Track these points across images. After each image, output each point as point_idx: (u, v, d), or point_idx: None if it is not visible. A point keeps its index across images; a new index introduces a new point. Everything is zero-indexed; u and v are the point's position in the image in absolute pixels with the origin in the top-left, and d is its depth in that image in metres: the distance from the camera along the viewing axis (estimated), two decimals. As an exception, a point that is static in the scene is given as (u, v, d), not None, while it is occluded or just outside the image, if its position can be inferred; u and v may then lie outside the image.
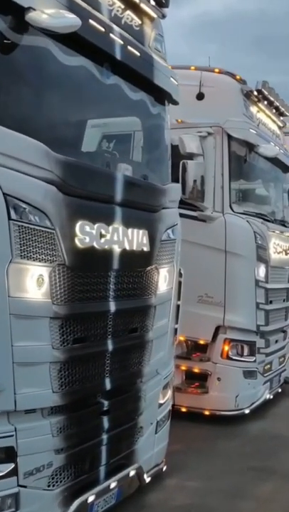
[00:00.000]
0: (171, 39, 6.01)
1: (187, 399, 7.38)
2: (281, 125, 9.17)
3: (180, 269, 5.46)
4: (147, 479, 4.98)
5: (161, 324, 5.04)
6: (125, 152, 5.28)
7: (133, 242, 4.41)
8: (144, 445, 4.91)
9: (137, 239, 4.46)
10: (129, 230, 4.36)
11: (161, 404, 5.26)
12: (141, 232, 4.52)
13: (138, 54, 4.58)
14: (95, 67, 4.28)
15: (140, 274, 4.65)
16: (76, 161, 3.84)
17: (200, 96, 7.53)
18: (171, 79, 5.23)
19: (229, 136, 7.41)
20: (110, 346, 4.29)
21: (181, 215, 7.36)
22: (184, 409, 7.36)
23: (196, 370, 7.45)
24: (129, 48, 4.46)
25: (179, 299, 5.42)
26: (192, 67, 7.73)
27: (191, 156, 7.10)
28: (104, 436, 4.33)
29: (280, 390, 8.66)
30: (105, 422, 4.32)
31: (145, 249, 4.59)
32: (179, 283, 5.43)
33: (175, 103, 5.47)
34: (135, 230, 4.44)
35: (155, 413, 5.13)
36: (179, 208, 7.35)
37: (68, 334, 3.83)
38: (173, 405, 7.28)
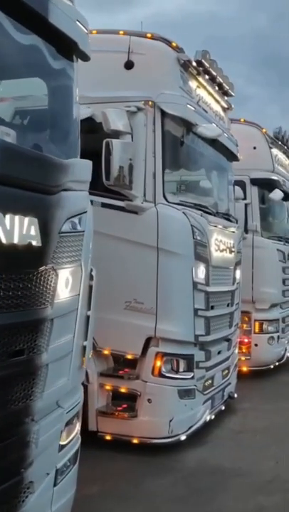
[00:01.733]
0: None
1: (113, 424, 6.20)
2: (226, 106, 8.10)
3: (92, 270, 4.27)
4: None
5: (61, 342, 3.82)
6: (7, 114, 4.05)
7: (13, 234, 3.17)
8: (35, 505, 3.66)
9: (20, 229, 3.23)
10: (8, 217, 3.12)
11: (63, 446, 4.03)
12: (27, 220, 3.28)
13: (23, -22, 3.37)
14: None
15: (28, 277, 3.41)
16: None
17: (129, 65, 6.36)
18: (78, 23, 4.03)
19: (163, 113, 6.27)
20: (-22, 378, 3.06)
21: (106, 205, 6.32)
22: (108, 437, 6.19)
23: (123, 390, 6.26)
24: None
25: (89, 308, 4.22)
26: (120, 32, 6.55)
27: (116, 135, 5.93)
28: None
29: (223, 408, 7.56)
30: None
31: (34, 243, 3.36)
32: (90, 288, 4.23)
33: (84, 57, 4.30)
34: (17, 217, 3.19)
35: (54, 459, 3.90)
36: (102, 196, 6.30)
37: None
38: (96, 432, 6.17)
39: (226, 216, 7.90)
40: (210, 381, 6.96)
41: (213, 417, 7.07)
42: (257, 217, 10.22)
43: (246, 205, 10.06)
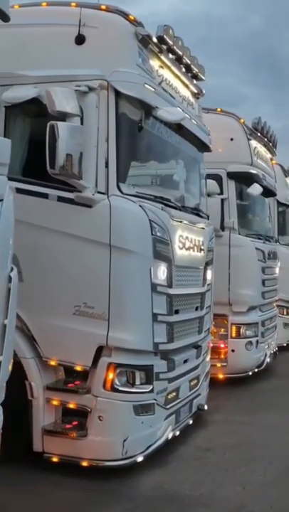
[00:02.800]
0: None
1: (61, 445, 5.48)
2: (196, 91, 7.40)
3: (12, 270, 3.57)
4: None
5: None
6: None
7: None
8: None
9: None
10: None
11: None
12: None
13: None
14: None
15: None
16: None
17: (79, 39, 5.65)
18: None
19: (117, 93, 5.56)
20: None
21: (53, 198, 5.65)
22: (55, 459, 5.48)
23: (71, 406, 5.55)
24: None
25: (6, 316, 3.52)
26: (72, 3, 5.83)
27: (63, 117, 5.25)
28: None
29: (191, 422, 6.86)
30: None
31: None
32: (8, 291, 3.53)
33: (2, 16, 3.58)
34: None
35: None
36: (47, 186, 5.63)
37: None
38: (42, 453, 5.49)
39: (196, 211, 7.21)
40: (174, 393, 6.27)
41: (178, 433, 6.37)
42: (234, 214, 9.54)
43: (222, 200, 9.39)
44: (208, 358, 7.69)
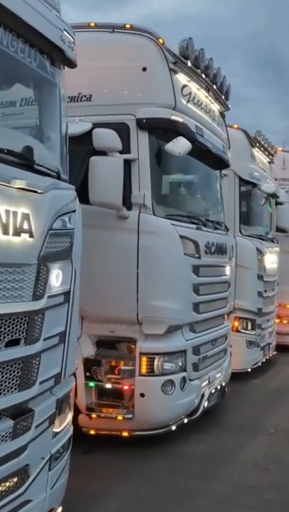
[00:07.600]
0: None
1: None
2: None
3: None
4: None
5: None
6: None
7: None
8: None
9: None
10: None
11: None
12: None
13: None
14: None
15: None
16: None
17: None
18: None
19: None
20: None
21: None
22: None
23: None
24: None
25: None
26: None
27: None
28: None
29: None
30: None
31: None
32: None
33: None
34: None
35: None
36: None
37: None
38: None
39: (23, 160, 3.85)
40: None
41: None
42: (147, 184, 6.17)
43: (129, 162, 6.07)
44: (60, 427, 4.33)
